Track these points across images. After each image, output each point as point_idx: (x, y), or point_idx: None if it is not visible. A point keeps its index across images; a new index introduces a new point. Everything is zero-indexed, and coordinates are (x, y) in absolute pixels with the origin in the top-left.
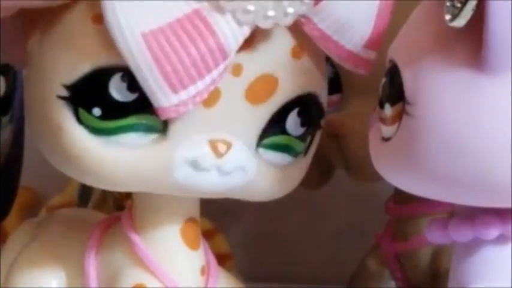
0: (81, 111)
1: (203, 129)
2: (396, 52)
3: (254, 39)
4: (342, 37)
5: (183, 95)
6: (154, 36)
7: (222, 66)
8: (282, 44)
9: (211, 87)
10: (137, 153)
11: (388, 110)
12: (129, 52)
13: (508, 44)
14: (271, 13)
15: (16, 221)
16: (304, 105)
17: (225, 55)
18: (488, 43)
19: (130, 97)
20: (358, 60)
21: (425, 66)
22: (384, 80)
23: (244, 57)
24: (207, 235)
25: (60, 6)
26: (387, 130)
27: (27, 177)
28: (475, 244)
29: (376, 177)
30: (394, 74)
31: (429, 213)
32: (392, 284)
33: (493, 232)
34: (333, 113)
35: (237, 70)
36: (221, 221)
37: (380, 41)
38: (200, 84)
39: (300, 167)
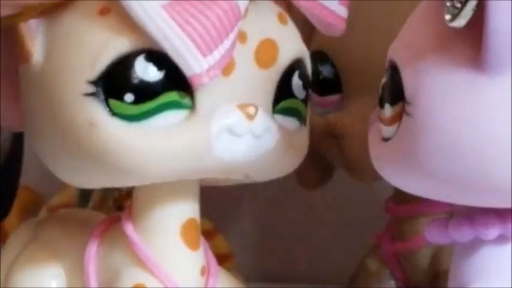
0: (113, 101)
1: (228, 97)
2: (396, 52)
3: (247, 8)
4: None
5: (210, 59)
6: (172, 7)
7: (236, 29)
8: (269, 11)
9: (230, 53)
10: (174, 134)
11: (388, 110)
12: (157, 27)
13: (508, 44)
14: None
15: (16, 221)
16: (301, 68)
17: (237, 15)
18: (488, 43)
19: (158, 75)
20: (334, 17)
21: (425, 66)
22: (383, 80)
23: (245, 25)
24: (207, 235)
25: (60, 9)
26: (387, 130)
27: (27, 177)
28: (475, 244)
29: (376, 177)
30: (394, 74)
31: (429, 213)
32: (392, 284)
33: (493, 232)
34: (333, 113)
35: (242, 37)
36: (221, 221)
37: None
38: (221, 48)
39: (304, 136)
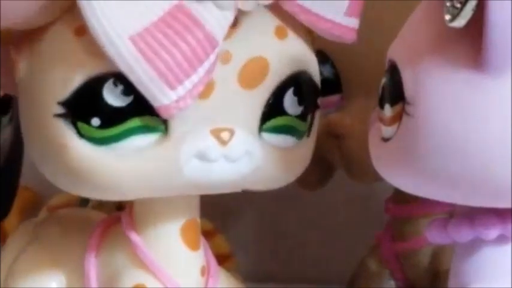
0: (80, 124)
1: (203, 121)
2: (396, 52)
3: (238, 24)
4: (321, 8)
5: (180, 90)
6: (142, 38)
7: (212, 57)
8: (265, 26)
9: (206, 79)
10: (144, 157)
11: (388, 110)
12: (121, 57)
13: (508, 44)
14: None
15: (16, 221)
16: (298, 84)
17: (214, 44)
18: (488, 43)
19: (126, 101)
20: (341, 29)
21: (425, 66)
22: (383, 80)
23: (231, 44)
24: (207, 235)
25: (41, 28)
26: (387, 130)
27: (27, 177)
28: (475, 244)
29: (376, 177)
30: (394, 74)
31: (429, 213)
32: (392, 284)
33: (493, 232)
34: (333, 113)
35: (226, 58)
36: (221, 221)
37: (360, 6)
38: (195, 77)
39: (305, 148)
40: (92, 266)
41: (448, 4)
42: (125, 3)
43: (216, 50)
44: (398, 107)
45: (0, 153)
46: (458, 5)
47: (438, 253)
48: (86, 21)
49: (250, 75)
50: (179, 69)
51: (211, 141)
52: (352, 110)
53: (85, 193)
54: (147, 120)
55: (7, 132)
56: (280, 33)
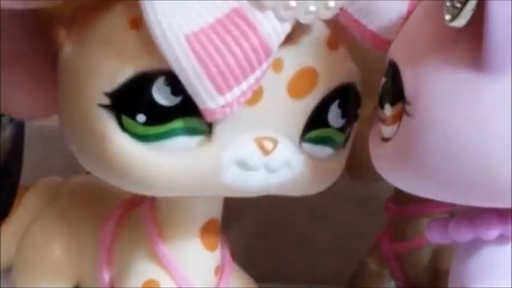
0: (125, 118)
1: (248, 127)
2: (396, 52)
3: (292, 33)
4: (378, 26)
5: (229, 96)
6: (197, 38)
7: (265, 65)
8: (318, 36)
9: (255, 86)
10: (184, 158)
11: (388, 110)
12: (174, 56)
13: (508, 44)
14: (312, 8)
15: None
16: (344, 96)
17: (268, 53)
18: (488, 43)
19: (174, 101)
20: (386, 44)
21: (425, 66)
22: (383, 80)
23: (284, 52)
24: None
25: (94, 12)
26: (387, 130)
27: (27, 177)
28: (475, 244)
29: (376, 177)
30: (394, 74)
31: (429, 213)
32: (392, 284)
33: (493, 232)
34: None
35: (278, 66)
36: (221, 221)
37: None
38: (245, 84)
39: (341, 159)
40: (107, 252)
41: (448, 4)
42: (185, 2)
43: (270, 59)
44: (398, 107)
45: (0, 153)
46: (458, 5)
47: (438, 253)
48: (143, 16)
49: (299, 86)
50: (231, 75)
51: (254, 149)
52: None
53: (120, 185)
54: (192, 121)
55: (7, 132)
56: (331, 45)
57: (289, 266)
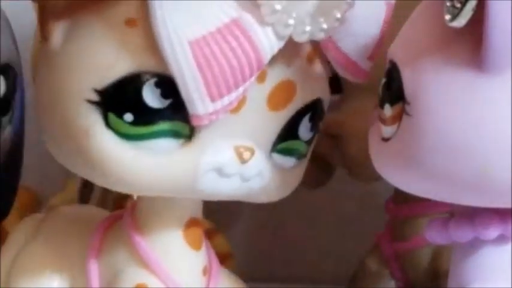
0: (112, 116)
1: (228, 134)
2: (396, 52)
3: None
4: (352, 50)
5: (218, 104)
6: (198, 45)
7: (253, 78)
8: (300, 50)
9: (241, 97)
10: (164, 158)
11: (388, 110)
12: (176, 59)
13: (508, 44)
14: (308, 28)
15: (16, 221)
16: (315, 110)
17: (260, 66)
18: (488, 43)
19: (163, 103)
20: (361, 72)
21: (425, 66)
22: (383, 80)
23: (268, 64)
24: (207, 235)
25: (89, 8)
26: (387, 130)
27: (27, 177)
28: (475, 244)
29: (376, 177)
30: (394, 74)
31: (429, 213)
32: (392, 284)
33: (493, 232)
34: (333, 112)
35: (261, 77)
36: (221, 221)
37: (379, 53)
38: (234, 94)
39: (301, 168)
40: (94, 265)
41: (448, 4)
42: (190, 8)
43: (259, 72)
44: (398, 107)
45: (0, 153)
46: (458, 5)
47: (438, 253)
48: (149, 14)
49: (278, 98)
50: (224, 84)
51: (232, 157)
52: (352, 110)
53: (98, 181)
54: (177, 125)
55: (7, 132)
56: (310, 59)
57: (289, 266)
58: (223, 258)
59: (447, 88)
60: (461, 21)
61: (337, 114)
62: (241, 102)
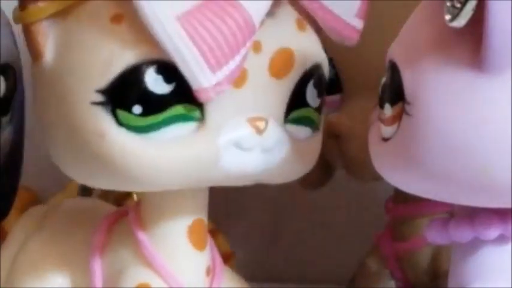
0: (120, 112)
1: (239, 110)
2: (396, 52)
3: (266, 15)
4: (338, 8)
5: (220, 74)
6: (186, 19)
7: (248, 44)
8: (288, 18)
9: (241, 66)
10: (181, 146)
11: (388, 110)
12: (168, 37)
13: (508, 44)
14: None
15: (16, 221)
16: (317, 76)
17: (251, 30)
18: (488, 43)
19: (168, 88)
20: (351, 31)
21: (425, 66)
22: (383, 80)
23: (261, 34)
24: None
25: (74, 15)
26: (387, 130)
27: (27, 177)
28: (475, 244)
29: (376, 177)
30: (394, 74)
31: (429, 213)
32: (392, 284)
33: (493, 232)
34: (333, 113)
35: (257, 47)
36: (221, 221)
37: (367, 8)
38: (232, 63)
39: (317, 142)
40: (97, 263)
41: (448, 4)
42: None
43: (253, 37)
44: (398, 107)
45: (0, 153)
46: (458, 5)
47: (438, 253)
48: (133, 3)
49: (279, 65)
50: (221, 53)
51: (249, 130)
52: (352, 110)
53: (120, 186)
54: (186, 108)
55: (7, 132)
56: (300, 26)
57: (289, 266)
58: (223, 258)
59: (447, 88)
60: (461, 21)
61: (337, 114)
62: (243, 75)
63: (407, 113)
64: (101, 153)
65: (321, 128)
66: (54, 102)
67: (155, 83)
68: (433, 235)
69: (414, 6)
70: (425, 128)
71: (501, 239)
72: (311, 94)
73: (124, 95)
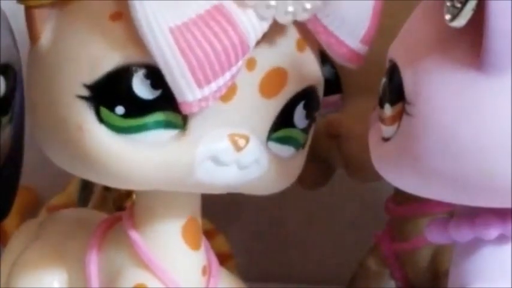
0: (103, 110)
1: (222, 123)
2: (396, 52)
3: (266, 33)
4: (343, 32)
5: (206, 90)
6: (180, 32)
7: (240, 62)
8: (288, 38)
9: (230, 83)
10: (159, 150)
11: (388, 110)
12: (158, 47)
13: (508, 44)
14: (290, 8)
15: (16, 221)
16: (309, 98)
17: (245, 50)
18: (488, 43)
19: (153, 94)
20: (354, 55)
21: (425, 66)
22: (383, 80)
23: (257, 52)
24: (207, 235)
25: (75, 4)
26: (387, 130)
27: (27, 177)
28: (475, 244)
29: (376, 177)
30: (394, 74)
31: (429, 213)
32: (392, 284)
33: (493, 232)
34: (333, 113)
35: (251, 64)
36: (221, 221)
37: (373, 36)
38: (221, 80)
39: (300, 159)
40: (93, 265)
41: (448, 4)
42: None
43: (246, 56)
44: (398, 107)
45: (0, 153)
46: (459, 5)
47: (438, 253)
48: (129, 5)
49: (270, 85)
50: (210, 70)
51: (227, 144)
52: (352, 110)
53: (95, 178)
54: (169, 115)
55: (7, 132)
56: (300, 47)
57: (289, 266)
58: (223, 258)
59: (447, 88)
60: (461, 21)
61: (337, 115)
62: (232, 90)
63: (407, 113)
64: (79, 145)
65: (307, 145)
66: (41, 87)
67: (142, 87)
68: (433, 235)
69: (414, 6)
70: (425, 127)
71: (501, 239)
72: (299, 115)
73: (109, 94)
